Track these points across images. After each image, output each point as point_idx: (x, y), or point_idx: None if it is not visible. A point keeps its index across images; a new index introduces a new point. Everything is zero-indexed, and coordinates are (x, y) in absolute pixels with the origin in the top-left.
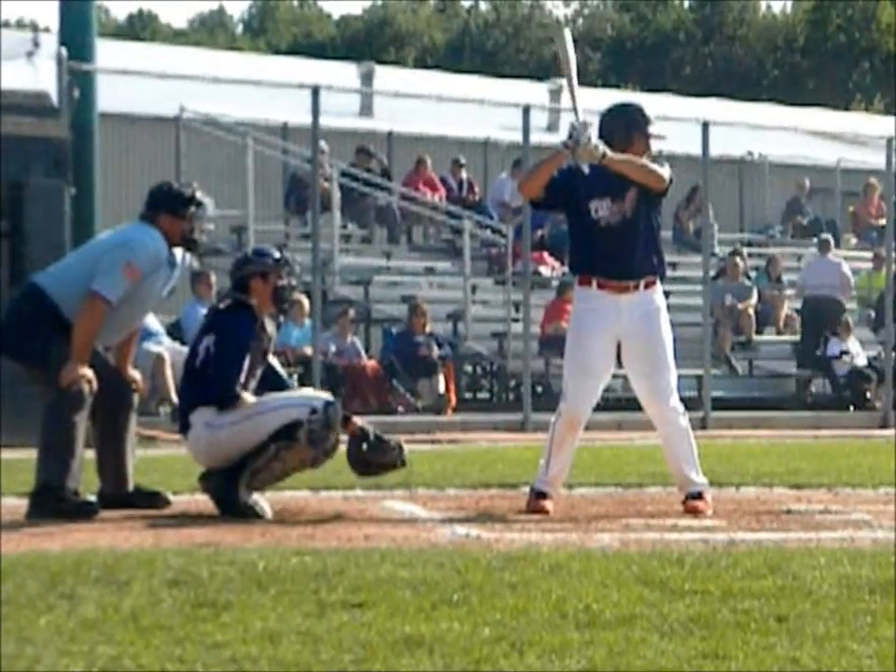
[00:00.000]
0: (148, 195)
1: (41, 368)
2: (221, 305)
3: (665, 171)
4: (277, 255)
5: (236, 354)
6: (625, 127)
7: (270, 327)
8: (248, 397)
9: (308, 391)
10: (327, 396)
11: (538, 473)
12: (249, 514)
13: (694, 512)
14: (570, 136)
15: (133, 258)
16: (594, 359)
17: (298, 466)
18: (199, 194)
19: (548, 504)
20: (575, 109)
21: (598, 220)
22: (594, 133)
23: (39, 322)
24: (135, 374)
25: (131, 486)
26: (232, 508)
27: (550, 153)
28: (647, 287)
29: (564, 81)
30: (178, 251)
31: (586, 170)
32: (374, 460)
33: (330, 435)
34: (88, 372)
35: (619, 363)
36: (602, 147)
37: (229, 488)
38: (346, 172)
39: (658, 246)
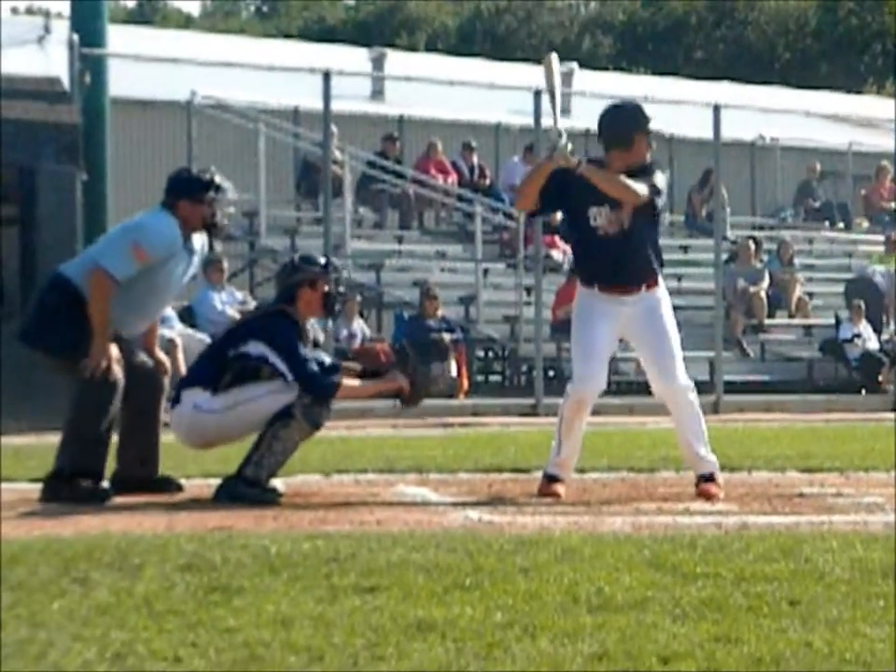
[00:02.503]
0: (167, 182)
1: (72, 358)
2: (258, 314)
3: (642, 186)
4: (324, 260)
5: (298, 353)
6: (626, 128)
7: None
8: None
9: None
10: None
11: (549, 457)
12: (259, 495)
13: (706, 496)
14: (550, 140)
15: (143, 239)
16: (598, 341)
17: (298, 442)
18: (218, 178)
19: (559, 488)
20: (555, 119)
21: (597, 229)
22: (566, 142)
23: (67, 311)
24: (161, 356)
25: (141, 473)
26: (234, 490)
27: (538, 164)
28: (648, 288)
29: (547, 101)
30: (198, 238)
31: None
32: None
33: (323, 410)
34: (111, 351)
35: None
36: (576, 158)
37: (232, 479)
38: (372, 161)
39: (657, 251)
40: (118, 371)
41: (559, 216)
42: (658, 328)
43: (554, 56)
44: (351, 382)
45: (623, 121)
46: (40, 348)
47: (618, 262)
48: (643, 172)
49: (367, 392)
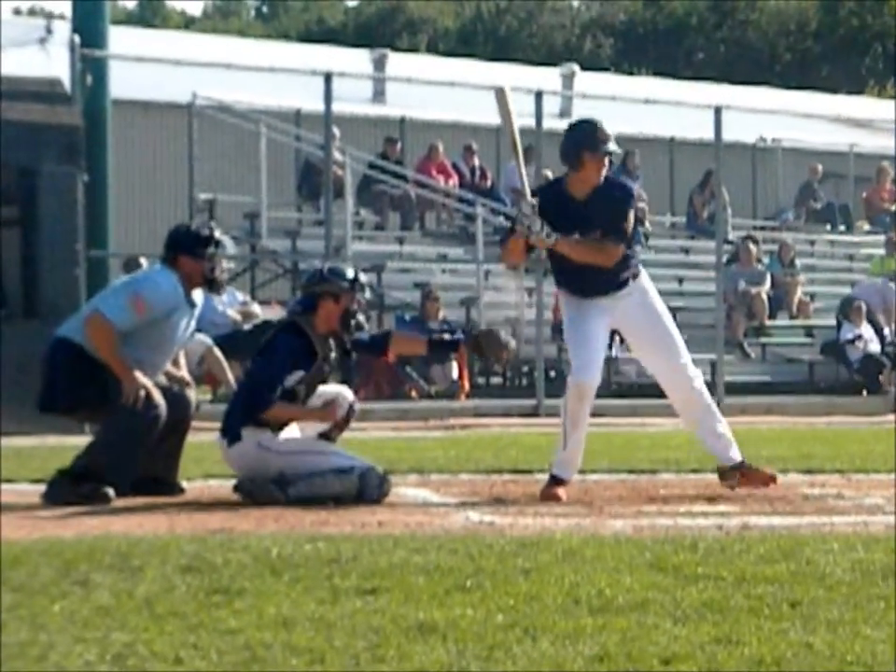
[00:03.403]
0: (167, 238)
1: (101, 407)
2: (276, 328)
3: (612, 247)
4: (352, 275)
5: (275, 366)
6: (575, 147)
7: (330, 349)
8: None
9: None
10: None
11: (554, 457)
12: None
13: (758, 481)
14: (522, 223)
15: (142, 291)
16: (592, 332)
17: (333, 495)
18: (217, 233)
19: (561, 492)
20: (522, 184)
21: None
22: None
23: (74, 369)
24: (179, 373)
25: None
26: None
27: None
28: (633, 278)
29: (510, 146)
30: (199, 294)
31: (549, 204)
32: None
33: (373, 496)
34: (142, 380)
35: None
36: (554, 236)
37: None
38: (374, 163)
39: (631, 259)
40: (159, 399)
41: None
42: (654, 319)
43: (507, 89)
44: (286, 409)
45: (573, 140)
46: (61, 411)
47: (597, 280)
48: (617, 218)
49: (300, 416)
